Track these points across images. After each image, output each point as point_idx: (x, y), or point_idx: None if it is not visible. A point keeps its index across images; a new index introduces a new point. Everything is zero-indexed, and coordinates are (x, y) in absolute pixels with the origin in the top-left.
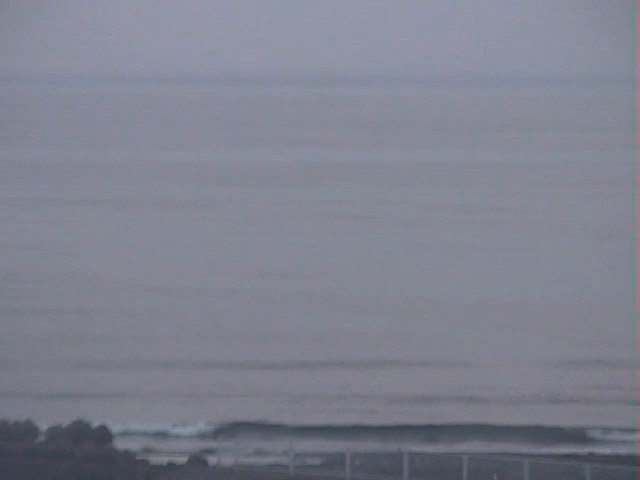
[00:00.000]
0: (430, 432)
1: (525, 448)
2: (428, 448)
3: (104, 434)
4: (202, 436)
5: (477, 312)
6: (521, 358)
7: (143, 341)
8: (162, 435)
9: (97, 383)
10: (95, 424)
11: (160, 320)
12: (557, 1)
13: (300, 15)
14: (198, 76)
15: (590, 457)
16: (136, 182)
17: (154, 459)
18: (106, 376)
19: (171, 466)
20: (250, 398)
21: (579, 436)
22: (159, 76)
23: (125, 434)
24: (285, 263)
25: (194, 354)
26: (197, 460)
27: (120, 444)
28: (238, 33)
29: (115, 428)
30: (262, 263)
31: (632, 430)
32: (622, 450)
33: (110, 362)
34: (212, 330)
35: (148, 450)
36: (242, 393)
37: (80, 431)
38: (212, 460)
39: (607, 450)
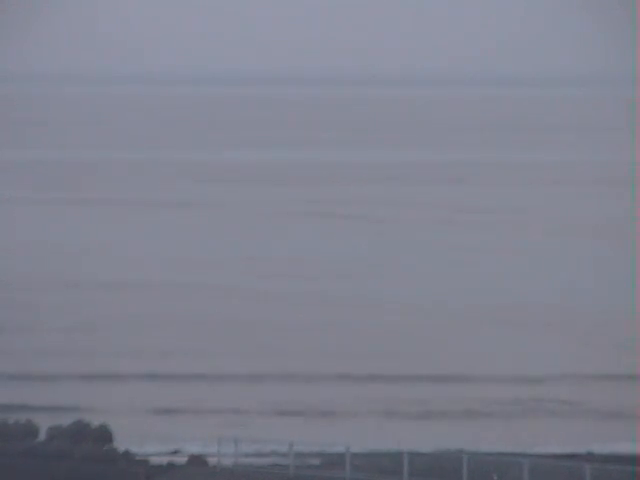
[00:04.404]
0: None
1: None
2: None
3: (104, 434)
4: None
5: (476, 313)
6: (518, 365)
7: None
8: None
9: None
10: (95, 424)
11: (164, 320)
12: (557, 1)
13: (301, 15)
14: (198, 76)
15: (590, 457)
16: (136, 182)
17: (154, 459)
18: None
19: (171, 466)
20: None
21: None
22: (159, 76)
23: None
24: (285, 263)
25: (198, 362)
26: (197, 460)
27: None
28: (239, 33)
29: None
30: (261, 263)
31: None
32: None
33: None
34: (216, 327)
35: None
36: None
37: (80, 431)
38: (212, 460)
39: (607, 450)
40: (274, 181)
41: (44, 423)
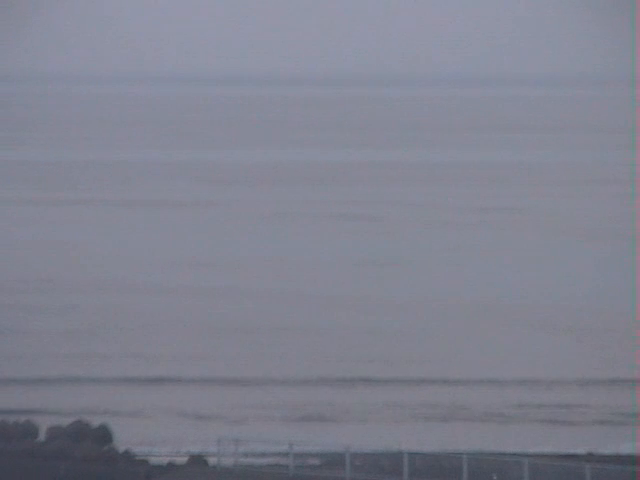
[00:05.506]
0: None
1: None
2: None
3: (104, 434)
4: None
5: (475, 313)
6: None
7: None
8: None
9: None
10: (95, 424)
11: (163, 320)
12: (557, 1)
13: (301, 16)
14: (198, 76)
15: (590, 457)
16: (136, 182)
17: (154, 459)
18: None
19: (171, 466)
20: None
21: None
22: (159, 76)
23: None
24: (286, 263)
25: (195, 366)
26: (197, 460)
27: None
28: (239, 33)
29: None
30: (261, 263)
31: None
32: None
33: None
34: (217, 328)
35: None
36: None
37: (80, 431)
38: (212, 460)
39: (607, 450)
40: (274, 181)
41: (44, 423)
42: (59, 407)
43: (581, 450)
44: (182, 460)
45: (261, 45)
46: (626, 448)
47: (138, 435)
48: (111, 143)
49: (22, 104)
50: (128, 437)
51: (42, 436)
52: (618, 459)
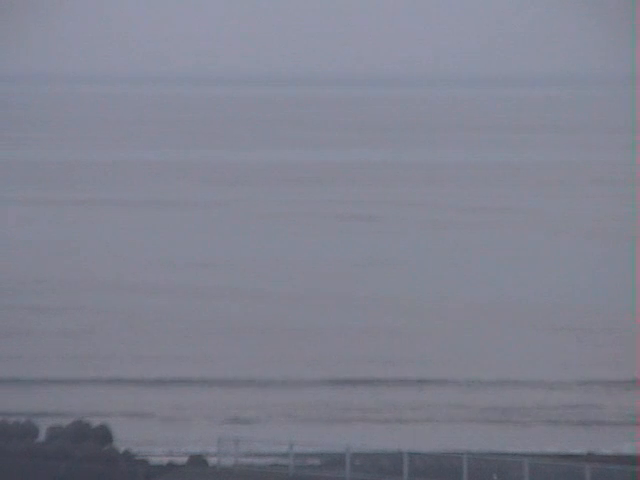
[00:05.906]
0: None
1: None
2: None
3: (104, 434)
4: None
5: (475, 313)
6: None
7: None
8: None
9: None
10: (95, 424)
11: (163, 320)
12: (557, 1)
13: (301, 16)
14: (198, 76)
15: (590, 457)
16: (136, 182)
17: (154, 459)
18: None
19: (171, 466)
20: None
21: None
22: (159, 76)
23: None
24: (285, 263)
25: (192, 367)
26: (197, 460)
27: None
28: (239, 33)
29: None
30: (261, 263)
31: None
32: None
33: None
34: (218, 328)
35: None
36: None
37: (80, 431)
38: (212, 460)
39: (607, 450)
40: (275, 181)
41: (44, 423)
42: (59, 407)
43: (581, 450)
44: (182, 460)
45: (261, 45)
46: (626, 448)
47: (138, 435)
48: (111, 143)
49: (22, 104)
50: (128, 437)
51: (42, 436)
52: (618, 459)
